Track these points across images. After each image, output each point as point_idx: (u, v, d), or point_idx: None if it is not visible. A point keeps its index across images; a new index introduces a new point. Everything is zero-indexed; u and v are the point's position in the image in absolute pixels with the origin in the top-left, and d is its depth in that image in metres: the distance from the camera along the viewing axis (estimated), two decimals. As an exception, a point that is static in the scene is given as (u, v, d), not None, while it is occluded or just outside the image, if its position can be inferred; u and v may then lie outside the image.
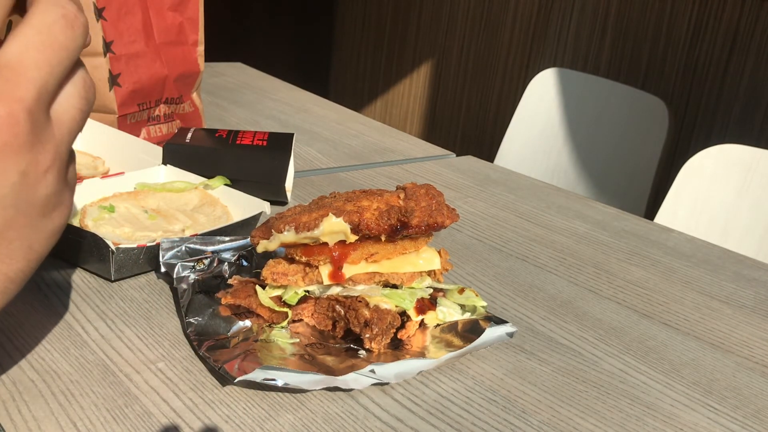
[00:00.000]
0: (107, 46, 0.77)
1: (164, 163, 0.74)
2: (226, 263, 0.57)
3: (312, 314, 0.52)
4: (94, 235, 0.56)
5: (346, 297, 0.51)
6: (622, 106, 1.42)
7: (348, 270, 0.50)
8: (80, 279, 0.58)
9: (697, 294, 0.66)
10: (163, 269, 0.56)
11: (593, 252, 0.73)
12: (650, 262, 0.72)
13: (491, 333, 0.52)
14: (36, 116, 0.32)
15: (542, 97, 1.52)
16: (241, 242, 0.60)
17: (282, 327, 0.52)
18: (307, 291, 0.51)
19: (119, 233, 0.62)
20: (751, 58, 1.75)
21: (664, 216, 1.10)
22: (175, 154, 0.74)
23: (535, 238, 0.75)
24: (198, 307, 0.53)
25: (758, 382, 0.53)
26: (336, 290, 0.51)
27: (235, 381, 0.45)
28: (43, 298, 0.55)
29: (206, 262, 0.57)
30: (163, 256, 0.57)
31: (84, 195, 0.66)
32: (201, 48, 0.88)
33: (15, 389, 0.44)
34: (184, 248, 0.57)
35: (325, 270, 0.50)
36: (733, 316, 0.63)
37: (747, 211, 1.05)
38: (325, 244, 0.49)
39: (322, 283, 0.50)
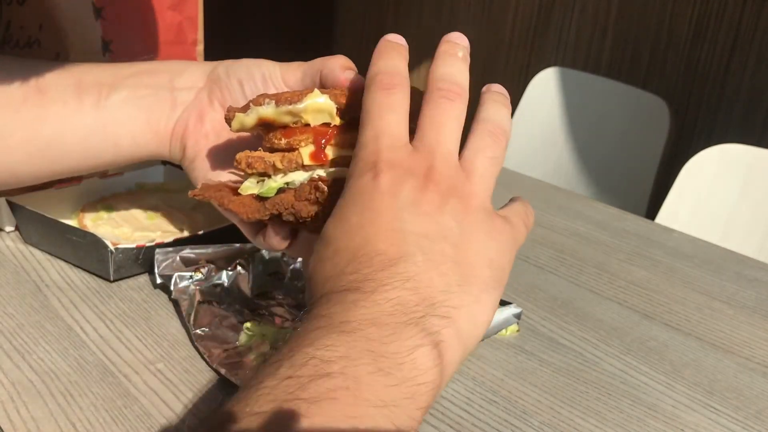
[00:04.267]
0: (106, 46, 0.77)
1: (163, 163, 0.74)
2: (224, 271, 0.57)
3: (292, 205, 0.44)
4: (92, 235, 0.56)
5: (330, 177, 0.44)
6: (623, 105, 1.42)
7: (332, 152, 0.44)
8: (79, 279, 0.58)
9: (698, 294, 0.66)
10: (159, 281, 0.56)
11: (594, 252, 0.73)
12: (651, 263, 0.72)
13: (498, 315, 0.52)
14: None
15: (543, 96, 1.52)
16: (235, 248, 0.59)
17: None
18: (286, 183, 0.45)
19: (118, 233, 0.62)
20: (752, 58, 1.75)
21: (666, 216, 1.10)
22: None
23: (536, 238, 0.75)
24: (203, 318, 0.52)
25: (759, 383, 0.53)
26: (318, 173, 0.44)
27: None
28: (42, 298, 0.55)
29: (203, 271, 0.56)
30: (158, 267, 0.56)
31: (83, 195, 0.66)
32: (200, 47, 0.88)
33: (14, 390, 0.44)
34: (178, 258, 0.57)
35: (306, 151, 0.44)
36: (734, 316, 0.63)
37: (748, 211, 1.05)
38: (308, 125, 0.44)
39: (302, 164, 0.44)
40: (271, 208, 0.44)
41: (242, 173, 0.46)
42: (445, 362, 0.32)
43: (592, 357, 0.54)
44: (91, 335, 0.51)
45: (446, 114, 0.39)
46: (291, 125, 0.44)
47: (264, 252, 0.60)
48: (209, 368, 0.48)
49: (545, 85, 1.52)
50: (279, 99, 0.43)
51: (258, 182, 0.45)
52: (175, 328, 0.53)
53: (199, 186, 0.48)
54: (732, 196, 1.06)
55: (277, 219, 0.45)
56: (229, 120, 0.46)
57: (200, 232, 0.60)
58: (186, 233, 0.62)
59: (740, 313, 0.63)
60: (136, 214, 0.65)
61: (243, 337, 0.51)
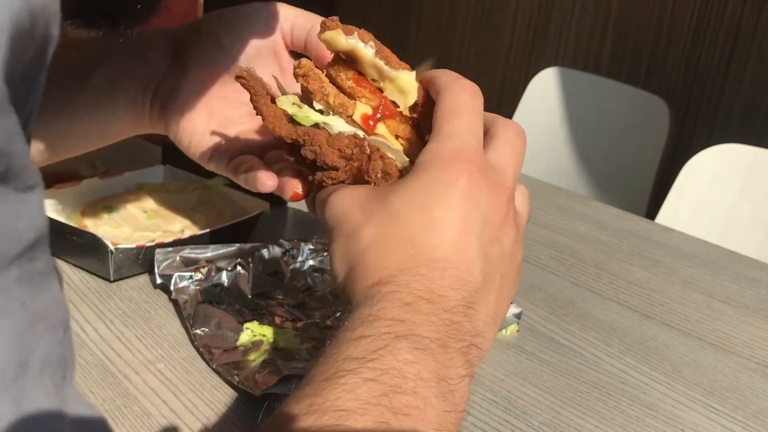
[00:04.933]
0: (107, 46, 0.77)
1: (163, 163, 0.74)
2: (224, 271, 0.57)
3: (320, 145, 0.42)
4: (93, 236, 0.56)
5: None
6: (623, 105, 1.42)
7: (380, 128, 0.42)
8: (79, 279, 0.58)
9: (698, 294, 0.66)
10: (159, 281, 0.56)
11: (594, 252, 0.73)
12: (651, 263, 0.72)
13: None
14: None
15: (543, 96, 1.52)
16: (235, 248, 0.59)
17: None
18: (324, 123, 0.42)
19: (118, 233, 0.62)
20: (752, 58, 1.75)
21: (665, 216, 1.10)
22: (175, 153, 0.74)
23: (536, 238, 0.75)
24: (203, 318, 0.52)
25: (759, 383, 0.53)
26: (363, 134, 0.42)
27: (259, 394, 0.44)
28: (41, 298, 0.54)
29: (203, 271, 0.56)
30: (158, 267, 0.56)
31: (83, 195, 0.66)
32: (201, 47, 0.88)
33: (13, 390, 0.44)
34: (178, 258, 0.57)
35: (361, 108, 0.42)
36: (734, 316, 0.63)
37: (748, 211, 1.05)
38: (381, 90, 0.43)
39: (350, 116, 0.42)
40: (302, 134, 0.42)
41: (255, 99, 0.43)
42: (468, 392, 0.35)
43: (592, 357, 0.54)
44: (91, 335, 0.51)
45: (521, 147, 0.40)
46: (368, 78, 0.43)
47: (264, 252, 0.60)
48: (209, 368, 0.48)
49: (545, 85, 1.52)
50: (380, 51, 0.42)
51: (293, 104, 0.43)
52: (175, 328, 0.53)
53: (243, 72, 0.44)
54: (732, 196, 1.06)
55: (294, 149, 0.43)
56: (325, 28, 0.42)
57: (200, 232, 0.60)
58: (186, 233, 0.62)
59: (740, 313, 0.63)
60: (136, 214, 0.65)
61: (243, 337, 0.51)
